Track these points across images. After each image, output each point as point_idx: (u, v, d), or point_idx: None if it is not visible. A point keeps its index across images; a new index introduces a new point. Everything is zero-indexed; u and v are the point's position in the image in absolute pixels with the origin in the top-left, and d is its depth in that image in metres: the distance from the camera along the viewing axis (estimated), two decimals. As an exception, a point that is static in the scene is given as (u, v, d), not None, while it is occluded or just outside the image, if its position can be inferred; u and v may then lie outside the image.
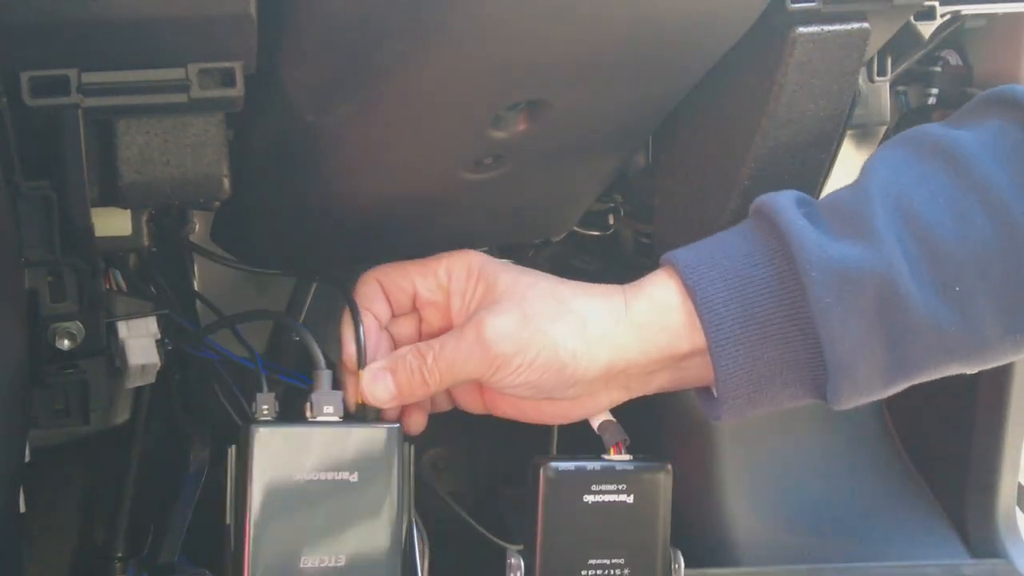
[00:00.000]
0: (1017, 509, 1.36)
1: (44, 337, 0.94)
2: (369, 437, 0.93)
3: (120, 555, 1.22)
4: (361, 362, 0.95)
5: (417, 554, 0.94)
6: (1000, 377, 1.26)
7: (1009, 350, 0.88)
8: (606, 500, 0.93)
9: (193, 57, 0.82)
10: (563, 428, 1.03)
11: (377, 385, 0.93)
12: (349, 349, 0.96)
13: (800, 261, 0.86)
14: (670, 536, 0.98)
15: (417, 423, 0.98)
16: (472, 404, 0.99)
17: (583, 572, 0.93)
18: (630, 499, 0.94)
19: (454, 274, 0.96)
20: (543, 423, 0.97)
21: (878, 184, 0.89)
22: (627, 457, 0.96)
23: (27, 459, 1.00)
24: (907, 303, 0.85)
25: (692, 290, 0.88)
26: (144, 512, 1.24)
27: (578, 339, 0.89)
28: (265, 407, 0.93)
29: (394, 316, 0.99)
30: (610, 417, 0.97)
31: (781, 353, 0.87)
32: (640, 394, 0.95)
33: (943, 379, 0.95)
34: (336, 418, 0.93)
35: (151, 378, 1.02)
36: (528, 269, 0.97)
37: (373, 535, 0.92)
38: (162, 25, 0.79)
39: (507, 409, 0.97)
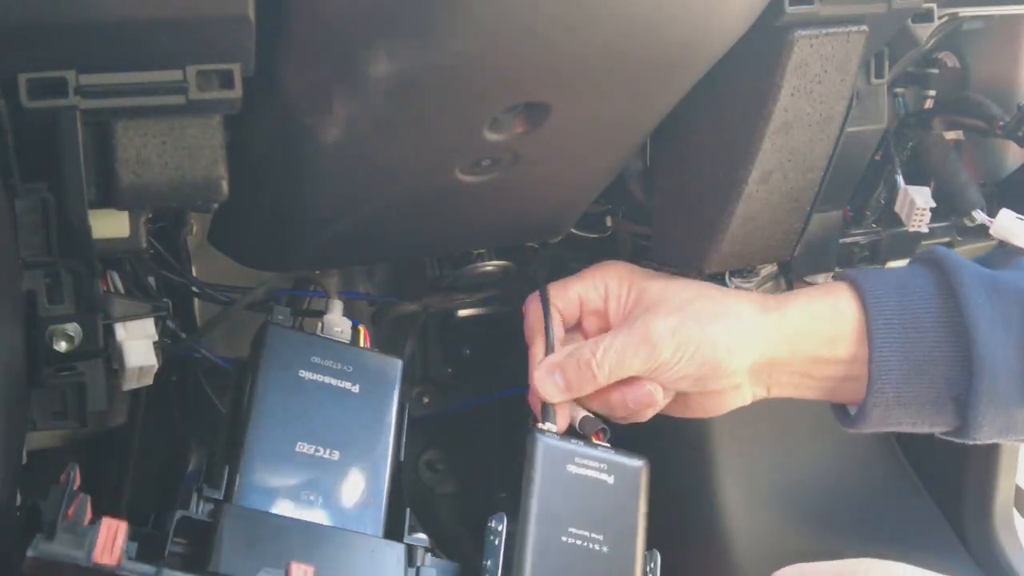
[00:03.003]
0: (1015, 511, 1.36)
1: (42, 339, 0.94)
2: (374, 360, 0.97)
3: (117, 557, 1.22)
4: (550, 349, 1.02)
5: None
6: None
7: None
8: (588, 475, 0.98)
9: (191, 59, 0.81)
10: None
11: (547, 381, 1.00)
12: (535, 349, 1.04)
13: (953, 272, 0.95)
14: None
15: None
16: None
17: (563, 538, 0.96)
18: (611, 480, 0.98)
19: (609, 282, 1.05)
20: (695, 416, 1.05)
21: None
22: (607, 445, 1.01)
23: (24, 461, 1.00)
24: None
25: (858, 284, 0.98)
26: (141, 515, 1.23)
27: (732, 336, 0.98)
28: (280, 316, 0.98)
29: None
30: (588, 413, 1.02)
31: (933, 346, 0.95)
32: (777, 395, 1.03)
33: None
34: (345, 340, 0.98)
35: (149, 380, 1.02)
36: (672, 275, 1.06)
37: (367, 441, 0.95)
38: (160, 27, 0.79)
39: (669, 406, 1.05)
